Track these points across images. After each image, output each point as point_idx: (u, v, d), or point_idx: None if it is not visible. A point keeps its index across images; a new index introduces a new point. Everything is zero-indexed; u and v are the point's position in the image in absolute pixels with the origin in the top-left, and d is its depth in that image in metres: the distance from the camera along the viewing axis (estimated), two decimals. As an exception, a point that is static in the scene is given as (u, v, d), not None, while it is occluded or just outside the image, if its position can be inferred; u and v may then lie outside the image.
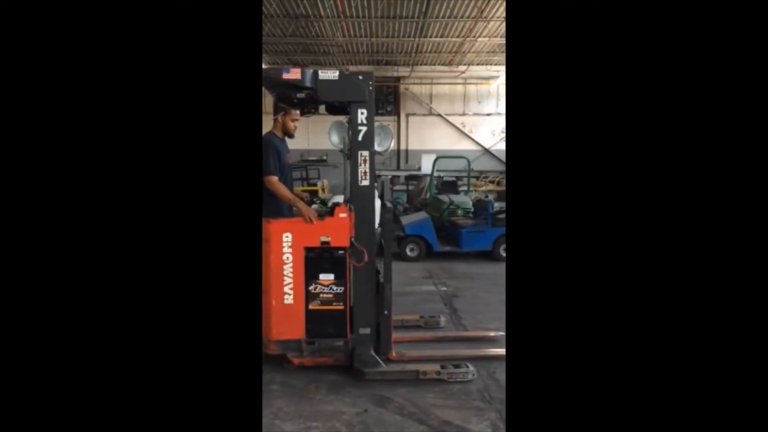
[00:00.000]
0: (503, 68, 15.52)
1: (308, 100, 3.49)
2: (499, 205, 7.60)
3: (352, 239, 3.21)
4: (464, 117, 15.94)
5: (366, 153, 3.21)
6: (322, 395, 3.00)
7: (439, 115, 16.11)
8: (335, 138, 7.70)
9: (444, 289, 5.58)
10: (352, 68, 14.08)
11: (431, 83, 15.82)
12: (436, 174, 9.27)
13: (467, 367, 3.20)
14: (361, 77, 3.21)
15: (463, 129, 15.84)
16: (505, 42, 14.27)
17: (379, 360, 3.22)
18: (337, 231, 3.21)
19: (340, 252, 3.23)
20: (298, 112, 3.49)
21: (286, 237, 3.19)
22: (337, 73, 3.20)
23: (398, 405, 2.86)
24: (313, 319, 3.23)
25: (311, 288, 3.22)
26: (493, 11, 12.68)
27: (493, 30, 14.07)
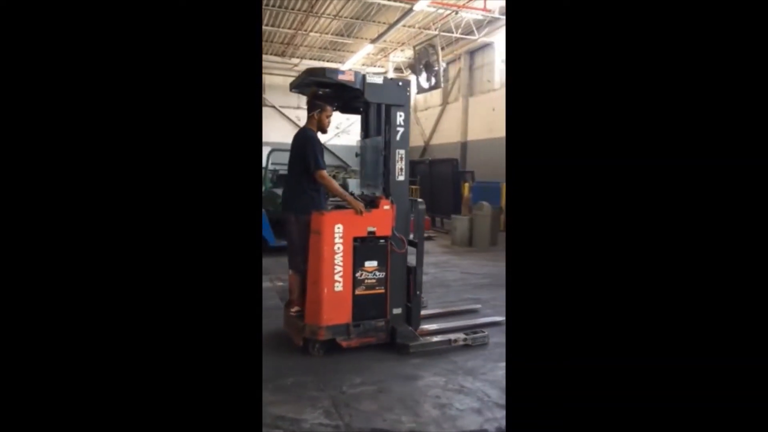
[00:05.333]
0: (334, 65, 16.20)
1: (330, 97, 3.73)
2: (333, 199, 7.89)
3: (393, 229, 3.58)
4: (299, 110, 16.19)
5: (402, 151, 3.60)
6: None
7: (273, 106, 16.07)
8: None
9: (280, 284, 5.46)
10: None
11: (264, 73, 15.71)
12: (271, 167, 8.98)
13: (483, 332, 3.84)
14: (400, 83, 3.58)
15: (298, 123, 16.09)
16: (335, 40, 14.95)
17: (417, 335, 3.66)
18: (382, 221, 3.54)
19: (382, 241, 3.56)
20: (330, 108, 3.68)
21: (338, 228, 3.41)
22: (381, 78, 3.52)
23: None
24: (359, 303, 3.51)
25: (358, 275, 3.50)
26: (324, 8, 13.26)
27: (324, 26, 14.64)
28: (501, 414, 2.67)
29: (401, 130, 3.59)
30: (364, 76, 3.46)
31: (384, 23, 13.78)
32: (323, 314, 3.42)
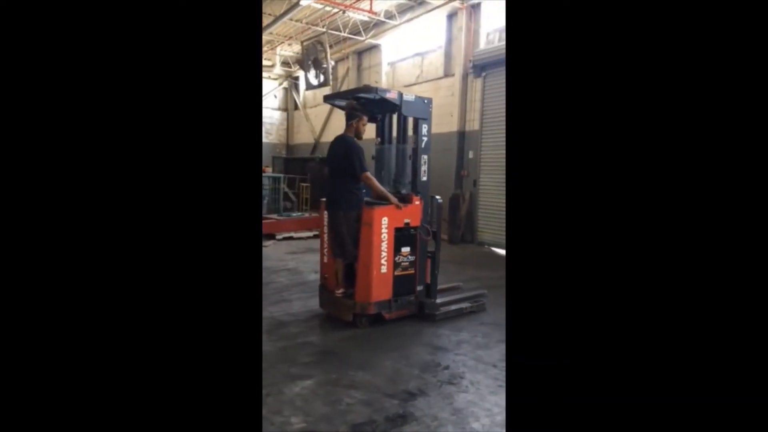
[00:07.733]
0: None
1: (359, 108, 4.38)
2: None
3: (421, 220, 4.36)
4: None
5: (426, 156, 4.39)
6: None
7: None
8: None
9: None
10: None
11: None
12: None
13: (481, 299, 4.81)
14: (425, 101, 4.35)
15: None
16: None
17: (439, 306, 4.49)
18: (414, 214, 4.30)
19: (413, 230, 4.32)
20: (366, 117, 4.32)
21: (384, 221, 4.10)
22: (414, 96, 4.26)
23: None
24: (397, 282, 4.24)
25: (396, 259, 4.22)
26: None
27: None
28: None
29: (425, 139, 4.38)
30: (401, 94, 4.18)
31: (270, 14, 13.65)
32: (373, 292, 4.10)
